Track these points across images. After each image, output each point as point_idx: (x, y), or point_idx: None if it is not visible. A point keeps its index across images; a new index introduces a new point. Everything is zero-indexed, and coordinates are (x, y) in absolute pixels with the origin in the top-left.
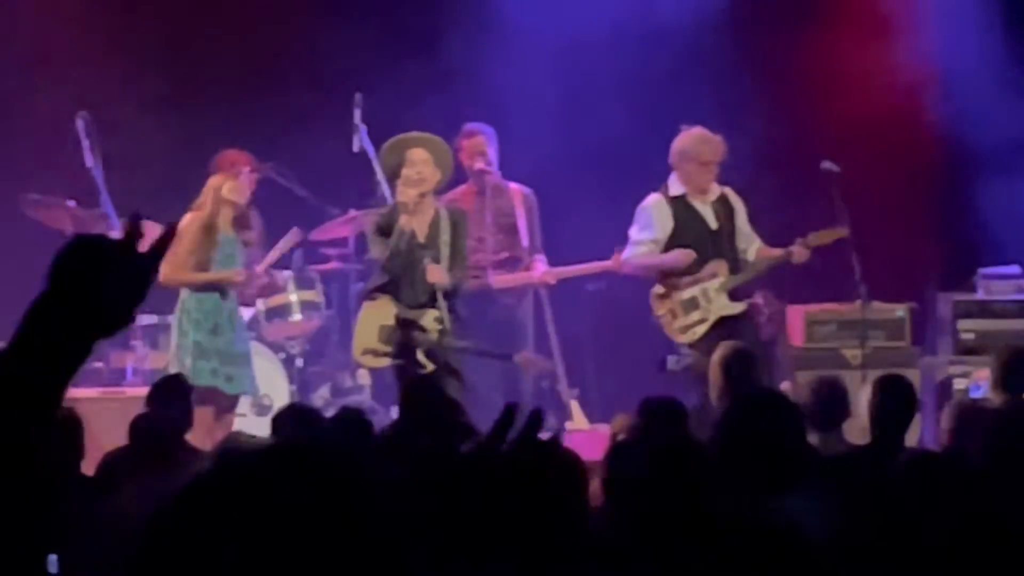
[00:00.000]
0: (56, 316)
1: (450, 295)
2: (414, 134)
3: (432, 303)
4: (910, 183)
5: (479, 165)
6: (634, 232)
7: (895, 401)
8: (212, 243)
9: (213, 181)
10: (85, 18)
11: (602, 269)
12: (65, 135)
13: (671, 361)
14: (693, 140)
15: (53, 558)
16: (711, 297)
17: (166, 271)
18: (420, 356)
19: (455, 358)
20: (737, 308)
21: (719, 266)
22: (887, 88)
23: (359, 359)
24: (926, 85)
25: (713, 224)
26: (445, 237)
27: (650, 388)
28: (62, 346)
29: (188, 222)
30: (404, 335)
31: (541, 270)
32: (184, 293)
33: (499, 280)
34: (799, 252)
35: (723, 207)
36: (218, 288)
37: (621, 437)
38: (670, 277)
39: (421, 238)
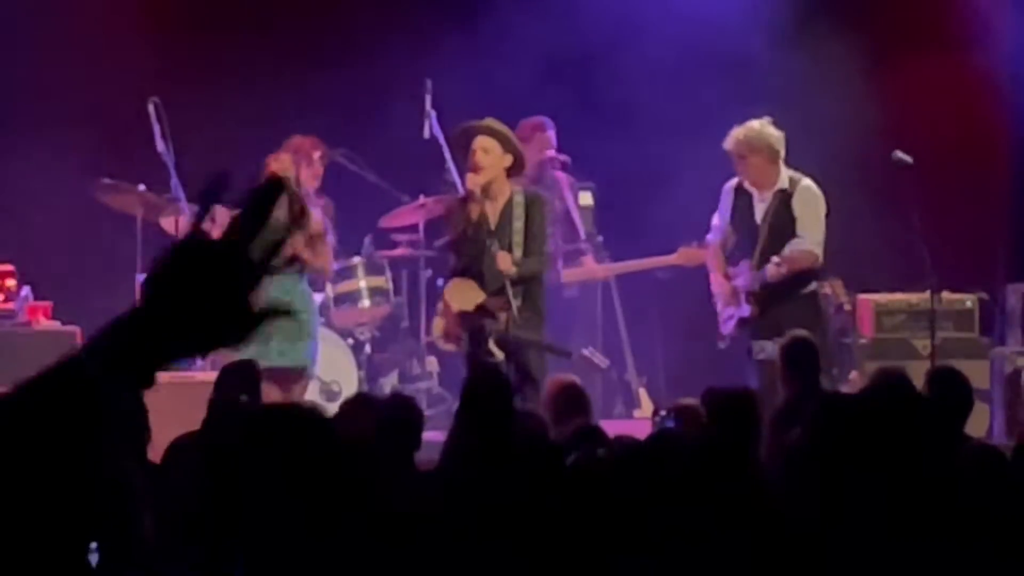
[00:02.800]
0: (143, 332)
1: (520, 283)
2: (477, 122)
3: (504, 291)
4: (980, 173)
5: (548, 154)
6: (715, 216)
7: (948, 394)
8: None
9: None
10: (155, 2)
11: (664, 264)
12: (136, 120)
13: (756, 348)
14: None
15: (93, 546)
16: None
17: None
18: (491, 345)
19: (523, 350)
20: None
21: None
22: (959, 79)
23: (436, 340)
24: (1000, 75)
25: (758, 218)
26: (518, 224)
27: (718, 375)
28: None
29: None
30: (477, 323)
31: (596, 265)
32: None
33: (567, 274)
34: (773, 271)
35: (782, 203)
36: None
37: (660, 416)
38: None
39: (493, 224)
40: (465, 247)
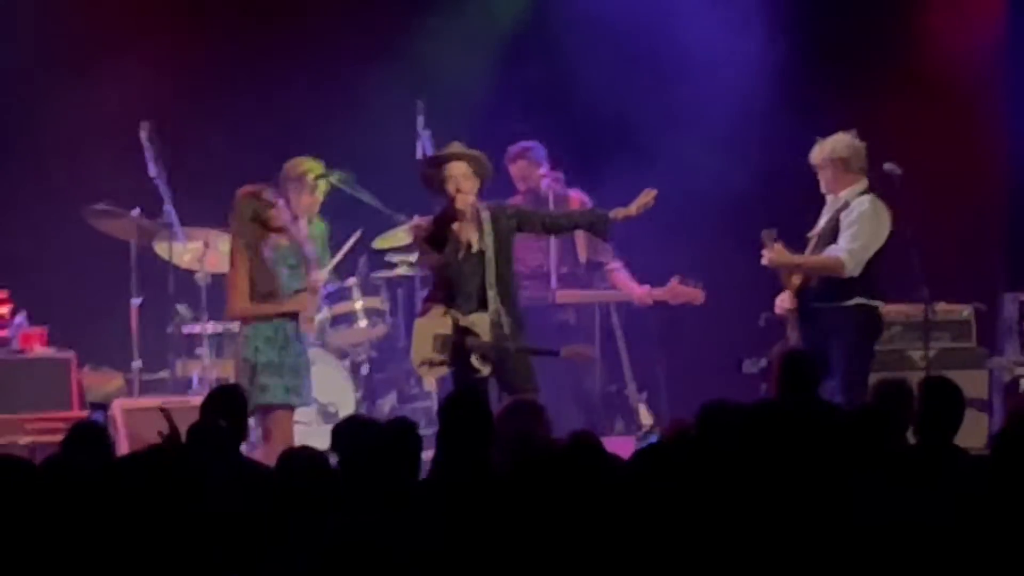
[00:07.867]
0: None
1: (503, 296)
2: (450, 149)
3: (484, 307)
4: (975, 182)
5: (529, 185)
6: None
7: (940, 404)
8: (266, 269)
9: (242, 199)
10: (148, 27)
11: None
12: (128, 145)
13: (747, 364)
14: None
15: None
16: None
17: (236, 305)
18: (475, 361)
19: (511, 359)
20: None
21: None
22: (952, 87)
23: (418, 370)
24: (991, 83)
25: (819, 227)
26: (488, 240)
27: (719, 390)
28: None
29: (234, 254)
30: (458, 342)
31: (639, 290)
32: None
33: (567, 295)
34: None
35: (835, 214)
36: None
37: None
38: None
39: (475, 247)
40: (452, 269)
